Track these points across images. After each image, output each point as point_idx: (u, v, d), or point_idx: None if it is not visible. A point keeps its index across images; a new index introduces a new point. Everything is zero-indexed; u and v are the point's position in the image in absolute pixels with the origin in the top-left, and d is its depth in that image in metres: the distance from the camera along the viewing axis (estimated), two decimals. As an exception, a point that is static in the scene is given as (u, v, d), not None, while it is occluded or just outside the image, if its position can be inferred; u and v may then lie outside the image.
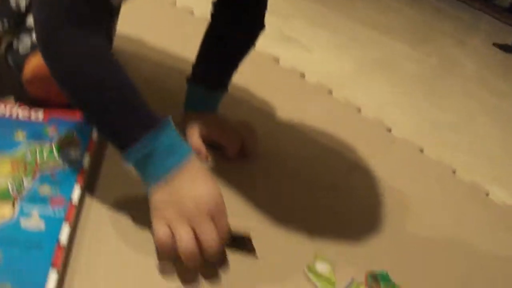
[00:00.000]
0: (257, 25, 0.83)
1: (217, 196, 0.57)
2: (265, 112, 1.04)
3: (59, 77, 0.59)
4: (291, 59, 1.33)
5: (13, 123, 0.75)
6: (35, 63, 0.73)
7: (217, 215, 0.56)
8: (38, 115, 0.78)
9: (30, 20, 0.76)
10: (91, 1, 0.58)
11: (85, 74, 0.58)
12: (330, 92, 1.24)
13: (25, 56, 0.74)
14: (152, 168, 0.57)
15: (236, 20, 0.82)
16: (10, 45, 0.77)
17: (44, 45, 0.59)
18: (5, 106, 0.78)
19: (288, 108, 1.07)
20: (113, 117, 0.58)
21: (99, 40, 0.60)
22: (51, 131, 0.75)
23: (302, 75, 1.27)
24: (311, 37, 1.61)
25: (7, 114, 0.77)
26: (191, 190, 0.56)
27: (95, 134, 0.76)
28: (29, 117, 0.78)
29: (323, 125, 1.05)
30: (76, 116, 0.79)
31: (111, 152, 0.75)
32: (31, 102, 0.78)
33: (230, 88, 0.86)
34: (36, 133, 0.74)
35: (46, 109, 0.79)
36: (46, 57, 0.59)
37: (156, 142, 0.56)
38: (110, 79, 0.59)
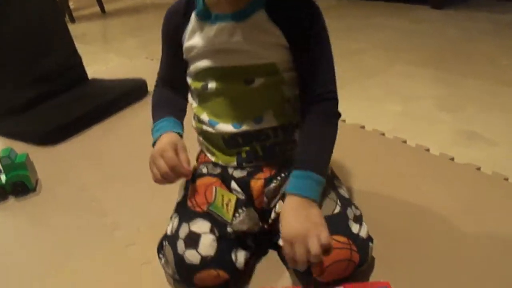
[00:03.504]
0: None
1: (164, 146, 0.94)
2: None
3: None
4: (469, 154, 1.36)
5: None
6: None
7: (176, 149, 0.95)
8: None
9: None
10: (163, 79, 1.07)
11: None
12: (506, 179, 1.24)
13: None
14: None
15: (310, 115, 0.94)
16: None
17: None
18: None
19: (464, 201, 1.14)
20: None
21: (164, 91, 1.06)
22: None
23: (478, 168, 1.30)
24: (486, 123, 1.57)
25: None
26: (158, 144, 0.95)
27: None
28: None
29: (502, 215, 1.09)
30: (372, 285, 0.91)
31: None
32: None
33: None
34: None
35: (345, 284, 0.90)
36: None
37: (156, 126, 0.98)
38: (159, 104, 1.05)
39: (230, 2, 0.91)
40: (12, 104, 1.83)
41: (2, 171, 1.32)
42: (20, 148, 1.45)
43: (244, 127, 0.96)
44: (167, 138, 0.95)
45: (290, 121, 0.97)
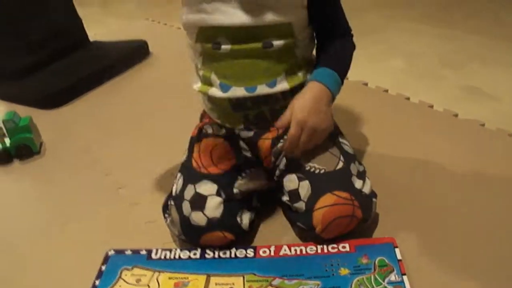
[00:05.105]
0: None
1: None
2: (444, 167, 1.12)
3: None
4: (473, 110, 1.36)
5: (328, 258, 0.89)
6: (320, 213, 0.88)
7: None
8: (346, 247, 0.90)
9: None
10: None
11: None
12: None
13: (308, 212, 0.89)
14: None
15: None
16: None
17: None
18: (314, 245, 0.91)
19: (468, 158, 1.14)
20: None
21: None
22: (365, 260, 0.87)
23: (482, 124, 1.29)
24: (490, 80, 1.56)
25: (319, 251, 0.90)
26: None
27: (399, 255, 0.86)
28: (339, 250, 0.89)
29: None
30: (377, 241, 0.91)
31: (412, 270, 0.86)
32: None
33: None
34: (355, 267, 0.85)
35: (351, 240, 0.91)
36: None
37: None
38: None
39: None
40: (14, 67, 1.81)
41: (6, 135, 1.32)
42: (23, 111, 1.46)
43: (258, 91, 0.92)
44: None
45: (300, 83, 0.95)
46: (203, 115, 1.07)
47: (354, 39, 0.98)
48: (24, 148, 1.33)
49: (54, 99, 1.66)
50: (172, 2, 2.58)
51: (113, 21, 2.74)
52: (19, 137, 1.32)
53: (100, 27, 2.49)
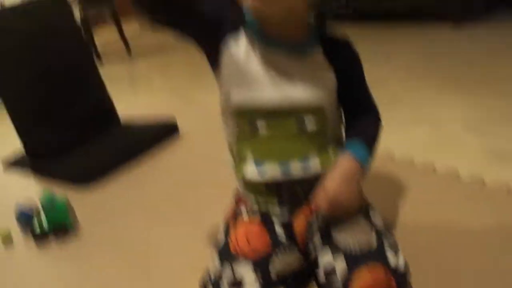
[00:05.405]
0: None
1: None
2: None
3: None
4: (500, 174, 1.36)
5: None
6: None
7: None
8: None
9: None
10: None
11: None
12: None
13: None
14: None
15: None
16: None
17: None
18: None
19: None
20: None
21: None
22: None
23: (510, 190, 1.29)
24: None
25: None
26: None
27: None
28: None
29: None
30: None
31: None
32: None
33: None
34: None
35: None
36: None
37: None
38: None
39: (292, 31, 0.93)
40: (50, 145, 1.90)
41: (44, 215, 1.37)
42: (58, 189, 1.53)
43: (291, 168, 0.97)
44: None
45: (331, 161, 0.98)
46: (238, 197, 1.10)
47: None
48: (61, 229, 1.38)
49: (87, 178, 1.71)
50: (200, 78, 2.67)
51: (141, 96, 2.82)
52: (56, 218, 1.38)
53: (128, 104, 2.56)
